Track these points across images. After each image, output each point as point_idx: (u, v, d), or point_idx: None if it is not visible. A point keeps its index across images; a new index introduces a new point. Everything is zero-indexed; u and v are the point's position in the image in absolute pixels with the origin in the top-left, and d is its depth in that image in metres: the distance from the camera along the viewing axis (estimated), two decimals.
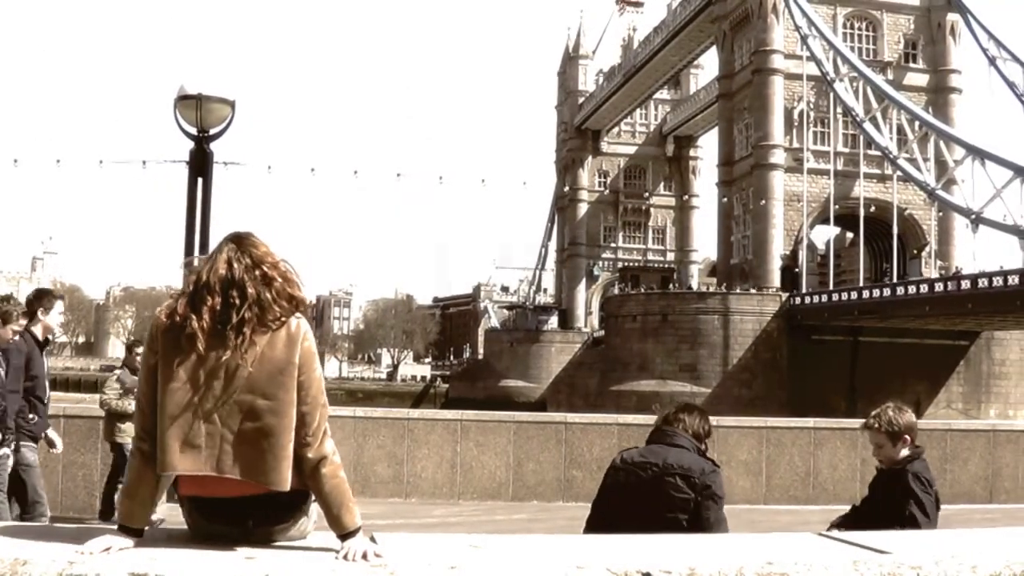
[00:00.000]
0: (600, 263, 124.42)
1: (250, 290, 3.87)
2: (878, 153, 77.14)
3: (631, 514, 6.04)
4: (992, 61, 77.86)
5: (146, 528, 3.81)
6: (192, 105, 13.16)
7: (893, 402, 7.28)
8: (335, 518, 3.82)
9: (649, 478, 6.08)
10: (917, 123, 73.63)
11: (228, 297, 3.86)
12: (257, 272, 3.92)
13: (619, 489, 6.27)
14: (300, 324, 3.92)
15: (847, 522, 7.15)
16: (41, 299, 9.59)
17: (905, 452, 7.00)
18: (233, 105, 13.37)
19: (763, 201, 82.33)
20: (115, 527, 3.77)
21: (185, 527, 4.04)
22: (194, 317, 3.83)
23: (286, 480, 3.77)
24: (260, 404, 3.77)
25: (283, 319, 3.88)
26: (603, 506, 6.39)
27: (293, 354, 3.84)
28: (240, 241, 4.02)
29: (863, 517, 7.04)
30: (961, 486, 18.34)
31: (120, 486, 11.10)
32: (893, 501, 6.82)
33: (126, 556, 3.50)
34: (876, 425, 7.03)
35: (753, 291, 79.60)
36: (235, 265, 3.92)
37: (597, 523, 6.36)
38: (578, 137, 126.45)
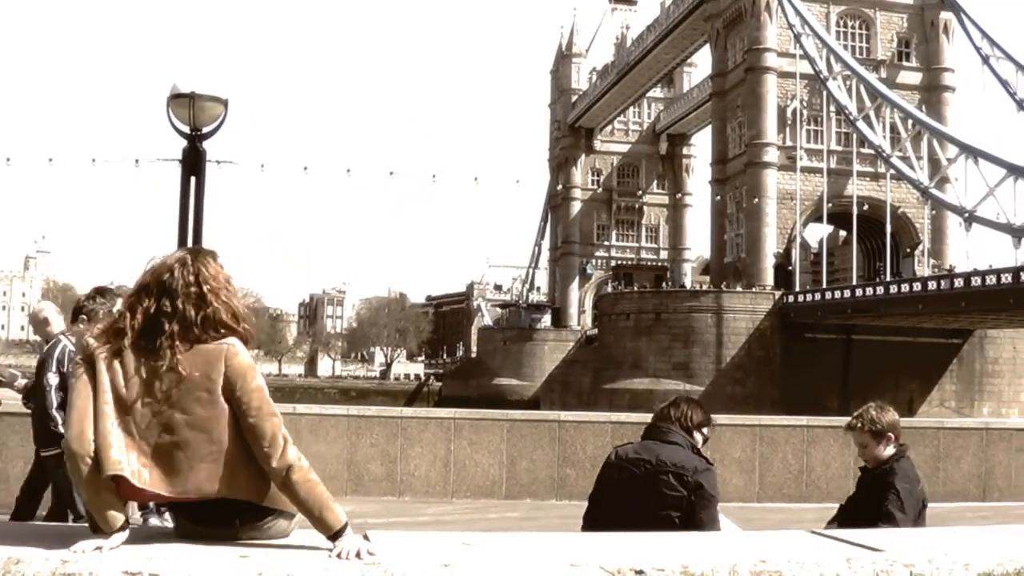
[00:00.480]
0: (593, 261, 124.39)
1: (179, 304, 3.90)
2: (871, 151, 77.17)
3: (624, 511, 6.04)
4: (985, 59, 77.89)
5: (132, 521, 3.82)
6: (185, 103, 13.13)
7: (875, 401, 7.28)
8: (319, 520, 3.82)
9: (642, 475, 6.06)
10: (910, 121, 73.69)
11: (161, 305, 3.90)
12: (193, 289, 3.94)
13: (612, 485, 6.27)
14: (223, 343, 3.92)
15: (838, 521, 7.15)
16: (103, 295, 9.59)
17: (890, 451, 7.01)
18: (226, 103, 13.34)
19: (756, 199, 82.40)
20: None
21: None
22: (128, 315, 3.90)
23: (204, 488, 3.78)
24: (177, 418, 3.79)
25: (203, 340, 3.89)
26: (598, 502, 6.39)
27: (213, 371, 3.84)
28: (195, 254, 4.05)
29: (851, 516, 7.04)
30: (954, 484, 18.35)
31: None
32: (879, 500, 6.82)
33: (120, 555, 3.50)
34: (859, 425, 7.04)
35: (746, 289, 79.61)
36: (176, 275, 3.95)
37: (593, 519, 6.36)
38: (571, 135, 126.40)
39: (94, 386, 3.80)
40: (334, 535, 3.77)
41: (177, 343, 3.84)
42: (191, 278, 3.94)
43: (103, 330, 3.91)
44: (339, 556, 3.64)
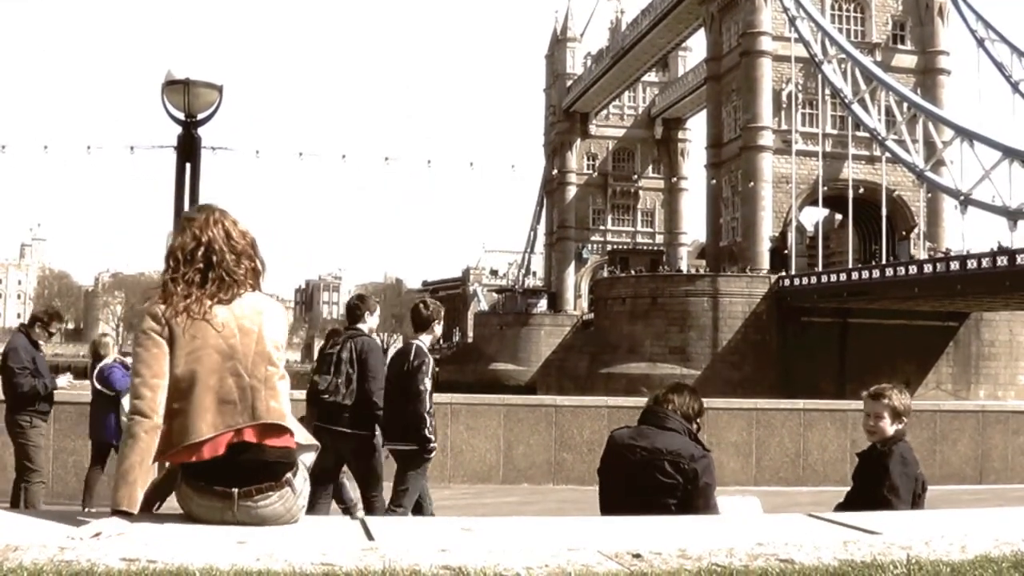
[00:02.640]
0: (589, 246, 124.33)
1: (225, 258, 4.17)
2: (866, 135, 77.10)
3: (620, 496, 6.07)
4: (980, 42, 77.83)
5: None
6: (179, 90, 13.12)
7: (896, 384, 7.32)
8: None
9: (638, 461, 6.08)
10: (905, 104, 73.61)
11: (211, 261, 4.15)
12: (235, 243, 4.23)
13: (608, 470, 6.30)
14: (266, 297, 4.29)
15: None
16: (427, 307, 10.52)
17: (893, 433, 7.04)
18: (220, 90, 13.33)
19: (752, 183, 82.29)
20: (108, 512, 3.79)
21: (176, 512, 4.06)
22: (184, 277, 4.12)
23: (292, 418, 4.14)
24: (274, 354, 4.10)
25: (251, 280, 4.20)
26: (601, 486, 6.44)
27: (284, 316, 4.28)
28: (220, 213, 4.30)
29: (851, 506, 7.04)
30: (950, 467, 18.40)
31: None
32: (877, 484, 6.83)
33: (118, 542, 3.50)
34: (886, 399, 7.04)
35: (742, 273, 79.59)
36: (216, 232, 4.21)
37: (603, 503, 6.43)
38: (566, 120, 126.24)
39: (174, 352, 3.98)
40: None
41: (239, 292, 4.14)
42: (228, 232, 4.24)
43: (167, 296, 4.09)
44: None
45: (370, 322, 10.50)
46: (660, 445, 6.08)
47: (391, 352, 10.85)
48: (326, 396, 10.16)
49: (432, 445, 9.97)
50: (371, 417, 10.13)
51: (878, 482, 6.77)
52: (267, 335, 4.06)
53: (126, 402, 12.28)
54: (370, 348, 10.19)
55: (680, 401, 6.40)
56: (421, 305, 10.60)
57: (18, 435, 11.44)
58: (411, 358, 10.01)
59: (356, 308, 10.48)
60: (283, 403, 4.06)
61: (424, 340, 10.20)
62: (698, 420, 6.44)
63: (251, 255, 4.23)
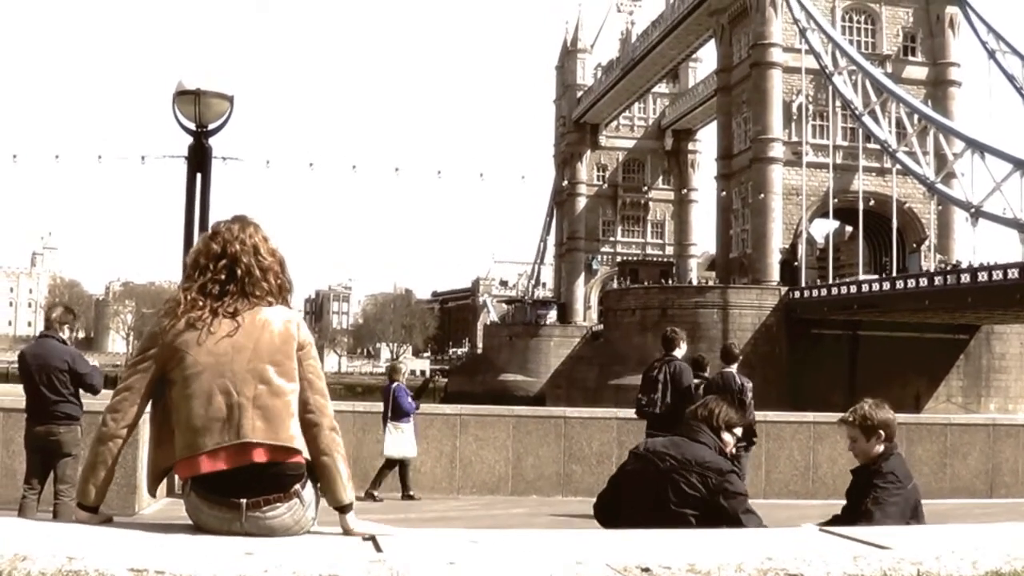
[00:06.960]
0: (599, 257, 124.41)
1: (245, 267, 4.13)
2: (877, 146, 77.18)
3: (639, 501, 6.08)
4: (991, 54, 77.85)
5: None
6: (191, 100, 13.17)
7: (873, 398, 7.28)
8: (341, 488, 4.09)
9: (665, 469, 6.09)
10: (916, 116, 73.63)
11: (234, 269, 4.12)
12: (261, 257, 4.18)
13: (633, 475, 6.31)
14: (285, 309, 4.20)
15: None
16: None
17: (880, 449, 7.00)
18: (231, 100, 13.38)
19: (762, 195, 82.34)
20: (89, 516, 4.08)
21: (183, 521, 4.08)
22: (201, 298, 4.08)
23: (294, 437, 4.01)
24: (269, 370, 4.00)
25: (271, 298, 4.14)
26: (615, 488, 6.44)
27: (293, 327, 4.11)
28: (247, 222, 4.28)
29: (843, 522, 7.00)
30: (961, 481, 18.36)
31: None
32: (862, 500, 6.82)
33: (125, 550, 3.50)
34: (851, 419, 7.06)
35: (752, 285, 79.56)
36: (243, 243, 4.18)
37: (605, 502, 6.43)
38: (576, 131, 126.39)
39: (172, 368, 4.01)
40: (345, 507, 4.06)
41: (255, 302, 4.10)
42: (257, 246, 4.20)
43: (176, 309, 4.08)
44: (352, 530, 4.00)
45: (681, 350, 13.59)
46: (690, 456, 6.11)
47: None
48: (647, 409, 13.20)
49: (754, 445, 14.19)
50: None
51: (864, 497, 6.75)
52: (263, 352, 4.00)
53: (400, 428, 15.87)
54: (682, 369, 13.25)
55: (704, 413, 6.43)
56: (731, 346, 15.72)
57: (76, 447, 10.81)
58: (739, 382, 14.35)
59: (672, 340, 13.68)
60: (273, 421, 3.97)
61: (734, 368, 14.73)
62: (733, 431, 6.43)
63: (277, 272, 4.19)
